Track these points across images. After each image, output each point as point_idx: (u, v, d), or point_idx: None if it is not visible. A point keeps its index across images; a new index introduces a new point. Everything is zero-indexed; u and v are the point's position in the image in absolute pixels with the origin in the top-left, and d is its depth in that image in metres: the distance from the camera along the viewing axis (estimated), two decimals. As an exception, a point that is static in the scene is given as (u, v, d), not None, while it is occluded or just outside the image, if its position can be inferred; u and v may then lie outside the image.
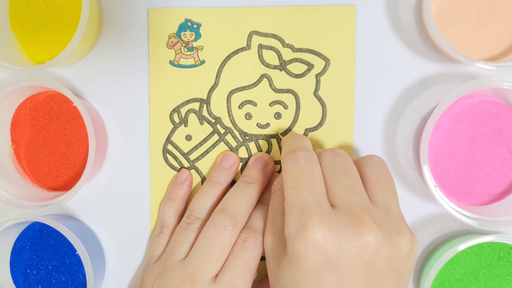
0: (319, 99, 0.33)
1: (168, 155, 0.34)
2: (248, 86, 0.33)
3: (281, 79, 0.33)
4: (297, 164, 0.27)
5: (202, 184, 0.34)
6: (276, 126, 0.33)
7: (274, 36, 0.33)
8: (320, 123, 0.33)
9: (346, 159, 0.28)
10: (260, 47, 0.33)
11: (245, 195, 0.30)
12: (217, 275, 0.29)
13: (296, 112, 0.33)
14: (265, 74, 0.33)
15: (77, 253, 0.32)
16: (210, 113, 0.34)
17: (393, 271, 0.25)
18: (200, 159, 0.34)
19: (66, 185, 0.34)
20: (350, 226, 0.24)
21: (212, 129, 0.34)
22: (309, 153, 0.28)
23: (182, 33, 0.33)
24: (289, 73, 0.33)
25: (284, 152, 0.29)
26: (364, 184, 0.27)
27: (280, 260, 0.26)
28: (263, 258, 0.34)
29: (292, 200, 0.26)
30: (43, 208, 0.31)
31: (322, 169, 0.27)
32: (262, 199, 0.32)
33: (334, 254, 0.24)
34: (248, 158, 0.34)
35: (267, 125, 0.33)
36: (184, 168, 0.34)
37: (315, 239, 0.24)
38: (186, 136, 0.34)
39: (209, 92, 0.33)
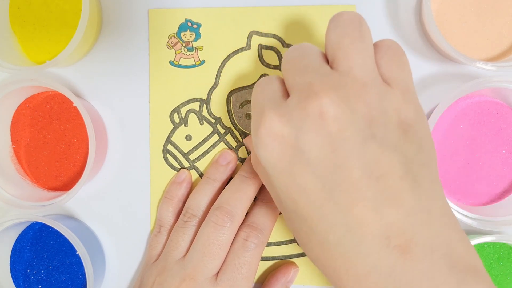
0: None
1: (168, 155, 0.34)
2: (248, 86, 0.33)
3: (281, 79, 0.33)
4: (258, 84, 0.25)
5: (202, 184, 0.34)
6: (276, 126, 0.33)
7: (274, 36, 0.33)
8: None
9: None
10: (260, 47, 0.33)
11: (242, 190, 0.30)
12: (218, 274, 0.29)
13: (296, 112, 0.33)
14: (265, 74, 0.33)
15: (77, 253, 0.32)
16: (210, 113, 0.33)
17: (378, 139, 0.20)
18: (200, 159, 0.34)
19: (66, 185, 0.34)
20: (298, 104, 0.21)
21: (212, 129, 0.34)
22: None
23: (182, 33, 0.33)
24: (289, 73, 0.33)
25: None
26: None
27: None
28: (263, 258, 0.34)
29: (252, 114, 0.24)
30: (43, 208, 0.31)
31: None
32: (262, 196, 0.31)
33: (293, 137, 0.21)
34: (248, 158, 0.33)
35: (267, 125, 0.33)
36: (184, 168, 0.34)
37: (268, 130, 0.22)
38: (186, 136, 0.34)
39: (209, 92, 0.33)
